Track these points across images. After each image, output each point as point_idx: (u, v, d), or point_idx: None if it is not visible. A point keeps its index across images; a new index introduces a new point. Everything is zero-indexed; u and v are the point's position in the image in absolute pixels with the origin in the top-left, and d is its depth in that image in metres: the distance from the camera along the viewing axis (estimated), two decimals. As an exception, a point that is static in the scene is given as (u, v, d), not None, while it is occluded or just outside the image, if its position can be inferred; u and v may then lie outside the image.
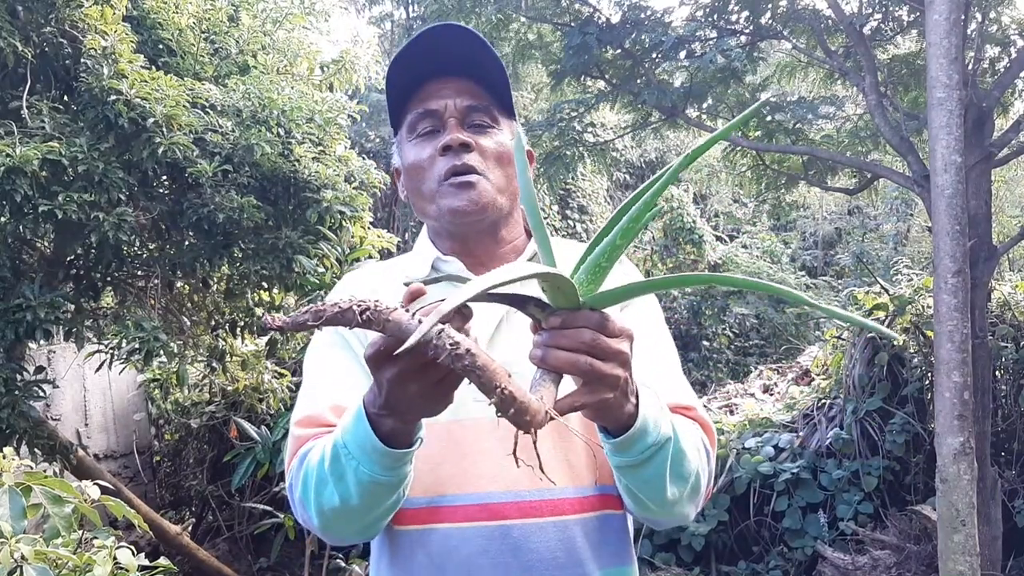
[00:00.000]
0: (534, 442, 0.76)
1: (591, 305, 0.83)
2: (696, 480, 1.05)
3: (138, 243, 4.03)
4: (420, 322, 0.72)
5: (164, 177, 3.79)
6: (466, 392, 1.05)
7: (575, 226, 10.78)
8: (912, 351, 5.03)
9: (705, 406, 6.42)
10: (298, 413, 1.12)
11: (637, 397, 0.92)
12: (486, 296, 0.80)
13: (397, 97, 1.18)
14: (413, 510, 1.08)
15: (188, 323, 4.40)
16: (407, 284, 0.85)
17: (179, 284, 4.35)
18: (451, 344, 0.71)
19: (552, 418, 0.77)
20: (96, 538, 1.99)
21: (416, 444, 0.95)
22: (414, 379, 0.83)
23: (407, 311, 0.74)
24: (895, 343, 5.05)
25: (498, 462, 1.06)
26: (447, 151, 1.13)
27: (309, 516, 1.04)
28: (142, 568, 1.98)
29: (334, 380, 1.12)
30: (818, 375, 6.15)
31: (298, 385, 2.18)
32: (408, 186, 1.20)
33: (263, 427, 4.62)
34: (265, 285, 4.06)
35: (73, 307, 3.55)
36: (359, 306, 0.73)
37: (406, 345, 0.67)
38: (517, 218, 1.23)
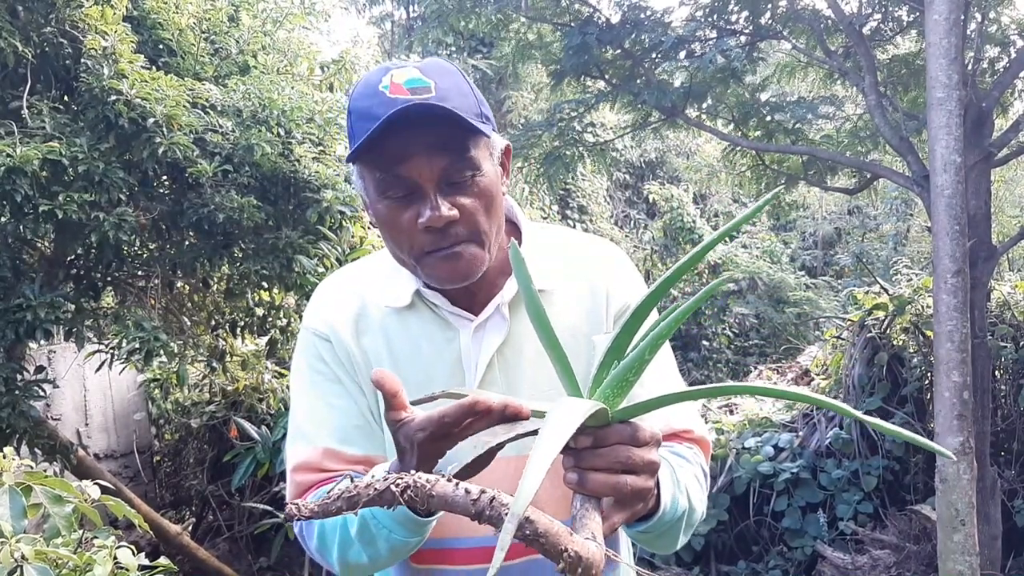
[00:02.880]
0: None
1: (619, 418, 0.81)
2: (702, 516, 1.07)
3: (138, 243, 4.03)
4: (466, 491, 0.69)
5: (164, 177, 3.80)
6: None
7: (575, 226, 10.78)
8: (912, 351, 5.03)
9: (705, 406, 6.43)
10: (293, 456, 1.11)
11: (657, 485, 0.90)
12: (517, 438, 0.80)
13: (359, 149, 1.00)
14: (420, 551, 1.09)
15: (188, 323, 4.40)
16: (413, 404, 0.84)
17: (179, 284, 4.36)
18: (506, 513, 0.68)
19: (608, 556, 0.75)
20: (96, 538, 1.99)
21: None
22: (445, 442, 0.83)
23: (449, 480, 0.70)
24: (894, 344, 5.05)
25: None
26: (430, 230, 1.00)
27: (330, 563, 1.06)
28: (142, 568, 1.98)
29: (323, 419, 1.10)
30: (818, 375, 6.15)
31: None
32: (380, 230, 1.07)
33: (263, 427, 4.63)
34: (265, 285, 4.06)
35: (73, 307, 3.55)
36: (397, 485, 0.69)
37: (498, 559, 0.62)
38: (502, 236, 1.11)
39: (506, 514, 0.66)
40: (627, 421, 0.81)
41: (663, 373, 1.12)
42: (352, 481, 0.70)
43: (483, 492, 0.69)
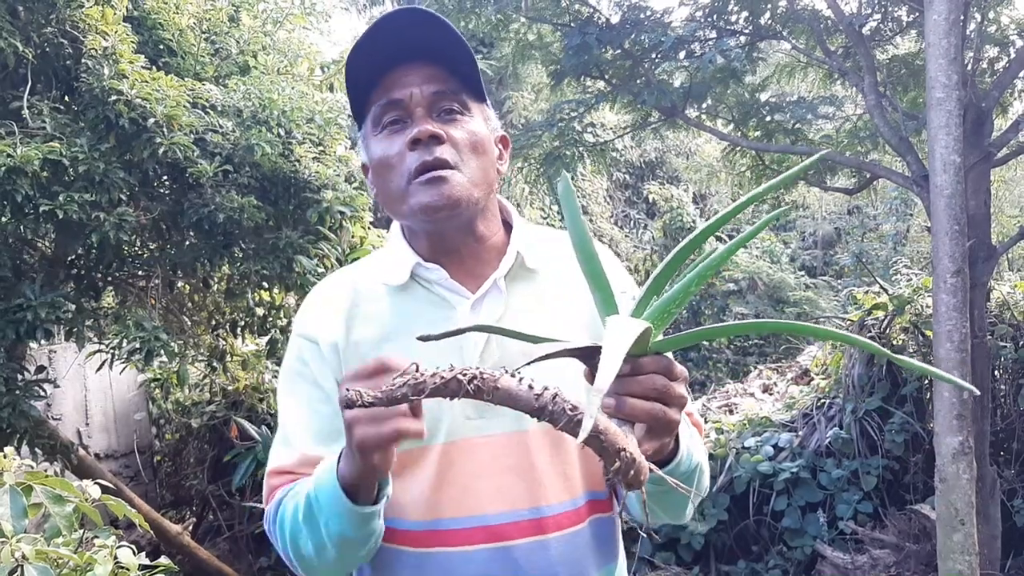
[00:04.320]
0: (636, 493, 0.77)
1: (655, 350, 0.82)
2: (707, 489, 1.09)
3: (139, 243, 4.04)
4: (530, 387, 0.70)
5: (165, 177, 3.80)
6: (459, 411, 1.06)
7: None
8: (911, 351, 5.03)
9: (705, 405, 6.41)
10: (272, 460, 1.12)
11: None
12: (566, 354, 0.81)
13: (359, 88, 1.10)
14: (412, 532, 1.07)
15: (189, 323, 4.41)
16: (424, 339, 0.83)
17: (180, 284, 4.36)
18: (571, 410, 0.69)
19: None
20: (97, 537, 1.99)
21: (382, 501, 0.97)
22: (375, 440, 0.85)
23: (513, 376, 0.71)
24: (894, 343, 5.06)
25: (495, 483, 1.05)
26: (416, 145, 1.05)
27: (290, 560, 1.05)
28: (143, 567, 1.99)
29: (305, 422, 1.10)
30: (817, 375, 6.15)
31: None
32: (377, 184, 1.12)
33: (263, 426, 4.64)
34: (265, 285, 4.07)
35: (74, 307, 3.56)
36: (464, 375, 0.70)
37: (582, 435, 0.65)
38: (494, 211, 1.17)
39: (570, 409, 0.69)
40: (662, 354, 0.83)
41: None
42: (417, 369, 0.71)
43: (546, 388, 0.70)
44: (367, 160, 1.14)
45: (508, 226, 1.20)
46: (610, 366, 0.67)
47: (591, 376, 0.82)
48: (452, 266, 1.12)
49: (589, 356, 0.82)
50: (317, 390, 1.10)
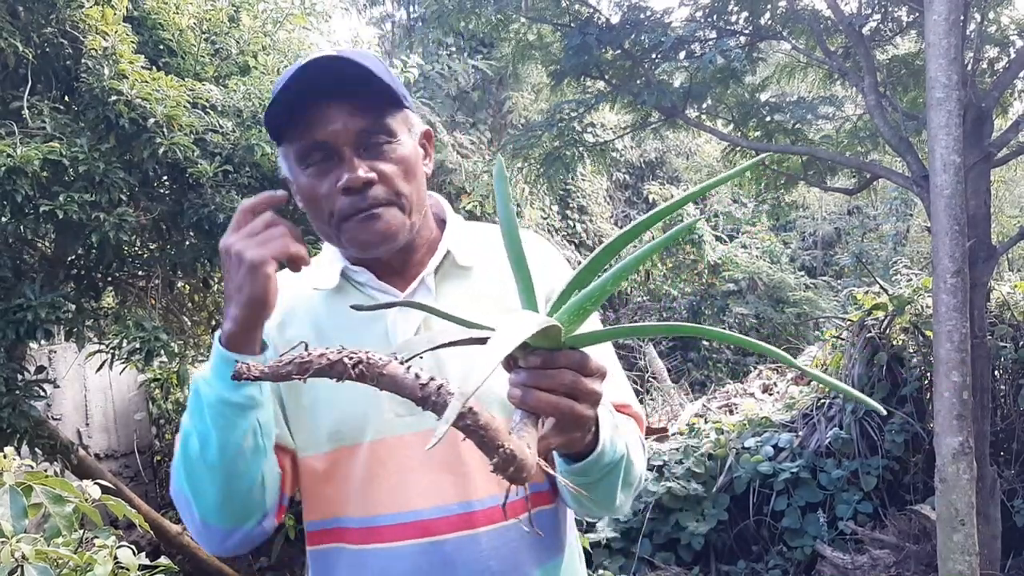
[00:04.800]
0: (523, 490, 0.76)
1: (570, 344, 0.82)
2: (639, 481, 1.08)
3: (139, 243, 4.04)
4: (416, 376, 0.70)
5: (165, 177, 3.80)
6: (387, 408, 1.06)
7: (575, 226, 10.78)
8: (911, 351, 5.03)
9: (704, 406, 6.38)
10: None
11: (596, 423, 0.91)
12: (470, 342, 0.80)
13: (279, 116, 1.08)
14: (352, 530, 1.08)
15: (189, 323, 4.41)
16: (357, 308, 0.84)
17: (180, 284, 4.36)
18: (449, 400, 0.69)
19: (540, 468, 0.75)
20: (97, 537, 1.99)
21: (261, 356, 0.97)
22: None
23: (402, 363, 0.71)
24: (894, 344, 5.06)
25: (426, 477, 1.06)
26: (349, 192, 1.04)
27: (183, 496, 1.02)
28: (143, 567, 1.99)
29: None
30: (817, 375, 6.14)
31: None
32: (305, 207, 1.13)
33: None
34: (265, 285, 4.07)
35: (74, 307, 3.56)
36: (350, 358, 0.69)
37: (441, 430, 0.63)
38: (428, 217, 1.17)
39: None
40: (578, 349, 0.82)
41: (608, 367, 1.13)
42: (307, 349, 0.71)
43: (432, 379, 0.70)
44: (290, 178, 1.13)
45: (443, 222, 1.20)
46: (485, 365, 0.65)
47: (508, 365, 0.83)
48: (379, 267, 1.13)
49: None
50: None
